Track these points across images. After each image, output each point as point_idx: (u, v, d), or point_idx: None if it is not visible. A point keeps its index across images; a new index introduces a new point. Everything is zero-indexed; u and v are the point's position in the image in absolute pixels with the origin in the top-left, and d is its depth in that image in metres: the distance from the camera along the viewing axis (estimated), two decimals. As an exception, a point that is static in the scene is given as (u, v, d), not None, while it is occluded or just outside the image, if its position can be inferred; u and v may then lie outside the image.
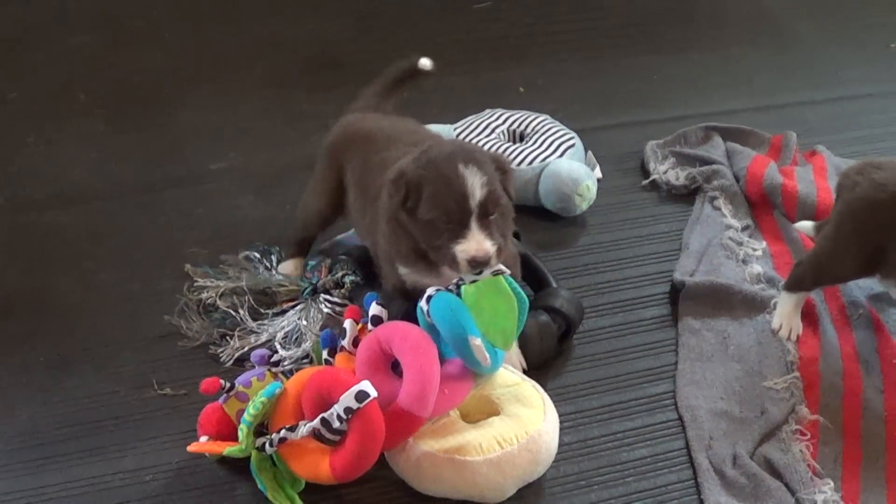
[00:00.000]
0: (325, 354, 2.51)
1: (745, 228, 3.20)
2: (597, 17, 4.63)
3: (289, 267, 2.93)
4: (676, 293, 2.95)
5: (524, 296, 2.37)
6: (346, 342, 2.51)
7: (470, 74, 4.12)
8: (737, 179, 3.40)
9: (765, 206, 3.32)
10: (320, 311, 2.72)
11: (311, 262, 2.93)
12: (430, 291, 2.34)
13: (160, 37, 4.40)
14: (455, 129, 3.42)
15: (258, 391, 2.35)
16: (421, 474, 2.33)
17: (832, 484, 2.39)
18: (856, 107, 4.02)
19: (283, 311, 2.77)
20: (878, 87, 4.18)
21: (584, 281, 3.02)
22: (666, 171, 3.47)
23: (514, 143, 3.42)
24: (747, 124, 3.74)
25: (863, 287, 2.96)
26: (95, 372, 2.70)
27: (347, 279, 2.77)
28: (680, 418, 2.59)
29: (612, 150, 3.62)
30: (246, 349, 2.70)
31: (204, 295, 2.85)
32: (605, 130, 3.74)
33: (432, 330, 2.34)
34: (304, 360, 2.67)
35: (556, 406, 2.48)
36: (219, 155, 3.60)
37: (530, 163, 3.26)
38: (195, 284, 2.90)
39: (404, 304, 2.55)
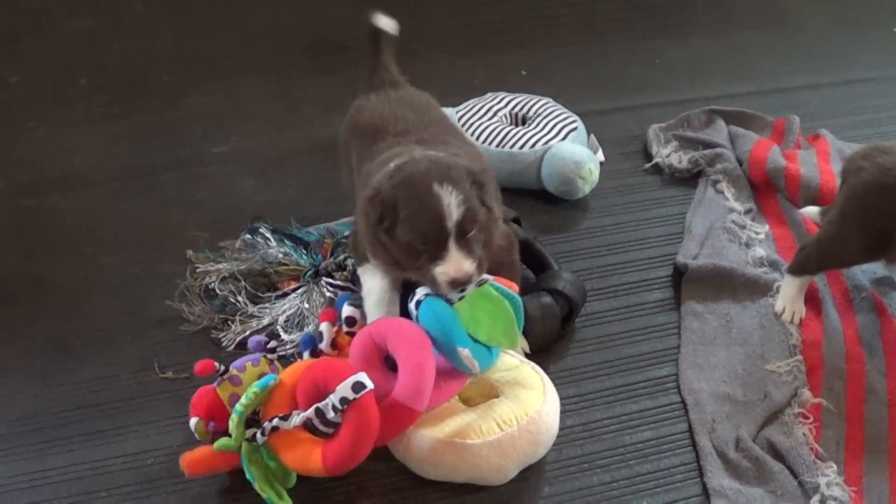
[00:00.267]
0: (306, 356, 2.49)
1: (747, 212, 3.19)
2: (599, 0, 4.61)
3: None
4: (679, 276, 2.95)
5: (516, 296, 2.37)
6: (323, 345, 2.50)
7: (472, 58, 4.11)
8: (740, 163, 3.39)
9: (768, 190, 3.31)
10: (322, 294, 2.72)
11: (314, 235, 2.93)
12: (419, 295, 2.33)
13: (161, 21, 4.38)
14: (457, 112, 3.42)
15: (252, 376, 2.35)
16: (422, 459, 2.32)
17: (835, 467, 2.39)
18: (859, 91, 4.01)
19: (285, 294, 2.77)
20: (882, 71, 4.16)
21: (587, 264, 3.01)
22: (669, 154, 3.46)
23: (517, 126, 3.41)
24: (750, 108, 3.72)
25: (866, 271, 2.95)
26: (97, 356, 2.70)
27: (350, 262, 2.75)
28: (682, 401, 2.58)
29: (614, 133, 3.61)
30: (247, 333, 2.70)
31: (206, 280, 2.85)
32: (607, 114, 3.74)
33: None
34: (307, 344, 2.66)
35: (558, 389, 2.48)
36: (220, 139, 3.60)
37: (532, 146, 3.25)
38: (197, 270, 2.89)
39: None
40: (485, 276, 2.33)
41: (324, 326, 2.51)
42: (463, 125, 3.33)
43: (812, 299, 2.85)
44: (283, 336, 2.67)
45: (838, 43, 4.38)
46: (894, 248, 2.61)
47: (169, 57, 4.13)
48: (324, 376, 2.23)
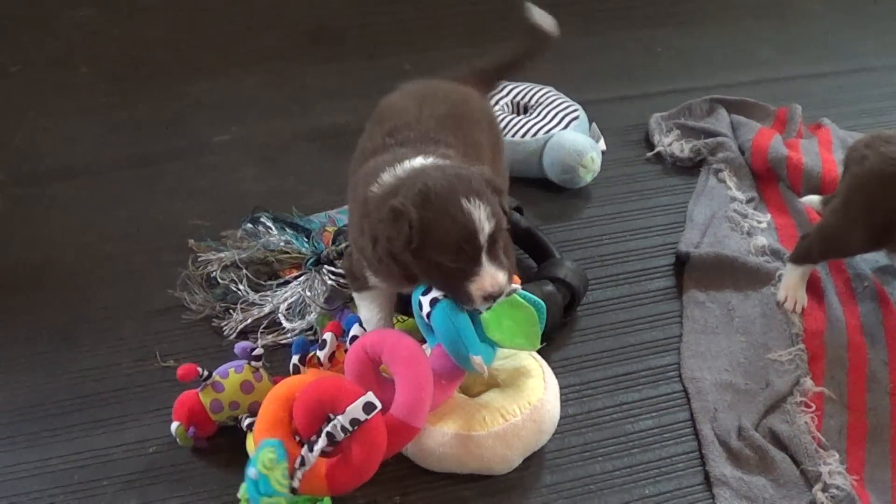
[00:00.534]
0: (294, 360, 2.45)
1: (749, 201, 3.19)
2: (601, -11, 4.61)
3: None
4: (681, 265, 2.95)
5: (540, 302, 2.32)
6: (323, 355, 2.46)
7: (475, 47, 4.08)
8: (742, 152, 3.39)
9: (770, 179, 3.31)
10: (324, 282, 2.71)
11: (315, 223, 2.93)
12: (434, 293, 2.24)
13: (162, 9, 4.36)
14: (459, 102, 3.41)
15: (235, 383, 2.36)
16: (426, 452, 2.32)
17: (837, 456, 2.39)
18: (861, 80, 4.01)
19: (287, 283, 2.76)
20: (884, 59, 4.17)
21: (589, 253, 3.01)
22: (670, 143, 3.46)
23: (519, 115, 3.41)
24: (752, 97, 3.72)
25: (868, 260, 2.95)
26: (98, 344, 2.70)
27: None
28: (685, 390, 2.58)
29: (616, 122, 3.61)
30: (249, 321, 2.70)
31: (207, 268, 2.85)
32: (609, 103, 3.73)
33: (426, 326, 2.29)
34: (308, 332, 2.67)
35: (560, 378, 2.48)
36: (221, 127, 3.59)
37: (534, 135, 3.25)
38: (198, 259, 2.89)
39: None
40: (512, 286, 2.26)
41: (328, 336, 2.49)
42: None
43: (814, 288, 2.85)
44: (285, 324, 2.67)
45: (840, 32, 4.37)
46: (897, 238, 2.62)
47: (170, 46, 4.12)
48: (331, 396, 2.18)
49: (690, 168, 3.40)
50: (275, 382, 2.39)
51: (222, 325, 2.72)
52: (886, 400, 2.56)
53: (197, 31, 4.22)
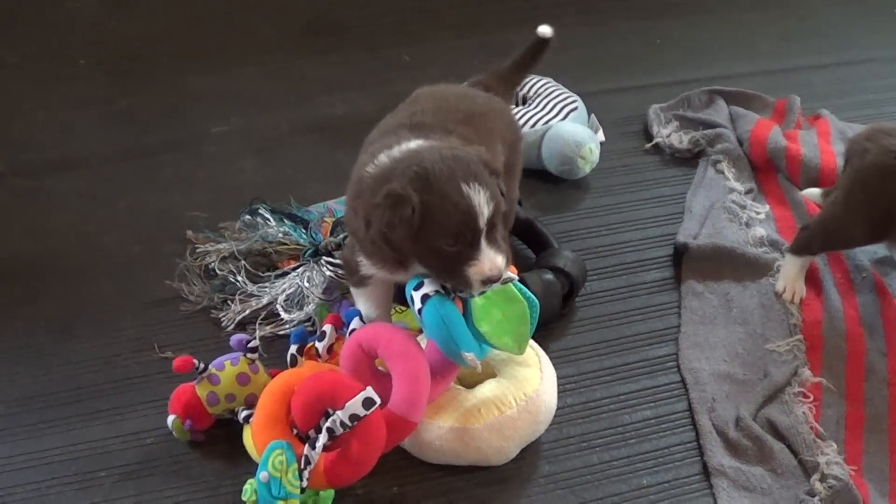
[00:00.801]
0: (293, 350, 2.44)
1: (748, 192, 3.19)
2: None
3: None
4: (679, 256, 2.95)
5: (534, 298, 2.31)
6: (321, 347, 2.45)
7: (474, 37, 4.10)
8: (740, 143, 3.39)
9: (768, 170, 3.31)
10: (322, 273, 2.71)
11: (313, 214, 2.92)
12: (426, 289, 2.22)
13: (161, 2, 4.36)
14: (457, 93, 3.40)
15: (231, 375, 2.36)
16: (423, 445, 2.33)
17: (835, 446, 2.40)
18: (861, 71, 4.00)
19: (285, 274, 2.76)
20: (884, 51, 4.16)
21: (587, 244, 3.01)
22: (669, 134, 3.46)
23: (517, 105, 3.40)
24: (751, 88, 3.72)
25: (867, 251, 2.95)
26: (96, 336, 2.70)
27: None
28: (682, 380, 2.59)
29: (615, 113, 3.61)
30: (247, 313, 2.70)
31: (206, 260, 2.85)
32: (608, 94, 3.73)
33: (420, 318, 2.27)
34: (307, 324, 2.66)
35: (558, 368, 2.48)
36: (220, 119, 3.59)
37: (533, 126, 3.25)
38: (196, 250, 2.89)
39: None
40: (508, 273, 2.23)
41: (328, 328, 2.48)
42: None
43: (812, 279, 2.85)
44: (283, 315, 2.66)
45: (840, 23, 4.36)
46: (897, 230, 2.62)
47: (168, 37, 4.11)
48: (330, 391, 2.17)
49: (689, 159, 3.40)
50: (271, 374, 2.39)
51: (221, 316, 2.72)
52: (884, 390, 2.57)
53: (195, 23, 4.21)
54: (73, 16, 4.25)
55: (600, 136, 3.37)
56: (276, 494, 2.08)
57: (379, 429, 2.16)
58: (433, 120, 2.39)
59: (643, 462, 2.39)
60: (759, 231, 3.01)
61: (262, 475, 2.09)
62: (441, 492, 2.32)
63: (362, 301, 2.45)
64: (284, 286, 2.72)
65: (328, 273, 2.69)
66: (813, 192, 3.10)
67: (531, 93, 3.43)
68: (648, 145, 3.46)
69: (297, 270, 2.74)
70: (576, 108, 3.34)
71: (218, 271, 2.80)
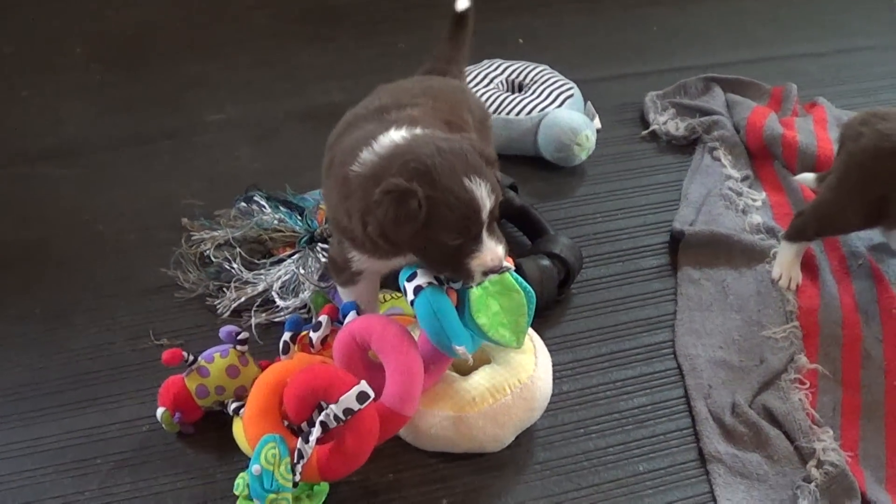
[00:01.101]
0: (286, 337, 2.41)
1: (744, 179, 3.19)
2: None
3: None
4: (675, 243, 2.95)
5: (531, 290, 2.30)
6: (315, 338, 2.42)
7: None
8: (737, 130, 3.38)
9: (765, 157, 3.30)
10: (318, 260, 2.71)
11: (309, 201, 2.91)
12: (419, 280, 2.20)
13: (156, -11, 4.37)
14: (453, 80, 3.40)
15: (221, 367, 2.35)
16: (419, 434, 2.33)
17: (831, 432, 2.40)
18: (857, 59, 4.00)
19: (280, 261, 2.76)
20: (880, 39, 4.16)
21: (583, 231, 3.01)
22: (665, 121, 3.45)
23: (513, 93, 3.40)
24: (748, 76, 3.71)
25: (863, 238, 2.95)
26: (91, 323, 2.70)
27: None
28: (679, 367, 2.59)
29: (611, 100, 3.60)
30: (243, 300, 2.70)
31: (201, 247, 2.84)
32: (604, 81, 3.72)
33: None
34: (302, 311, 2.66)
35: (554, 355, 2.48)
36: (215, 107, 3.58)
37: (529, 113, 3.24)
38: (192, 237, 2.88)
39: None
40: (506, 263, 2.19)
41: (324, 319, 2.47)
42: (459, 92, 3.31)
43: (809, 266, 2.85)
44: (279, 302, 2.66)
45: (836, 11, 4.36)
46: (892, 215, 2.61)
47: (164, 25, 4.11)
48: (324, 384, 2.15)
49: (685, 146, 3.40)
50: (261, 366, 2.38)
51: (216, 303, 2.72)
52: (880, 377, 2.56)
53: (191, 11, 4.21)
54: (69, 5, 4.24)
55: (596, 123, 3.37)
56: (268, 488, 2.07)
57: (372, 422, 2.15)
58: (391, 101, 2.37)
59: (639, 448, 2.39)
60: (756, 218, 3.01)
61: (255, 468, 2.08)
62: (437, 479, 2.31)
63: (348, 297, 2.46)
64: (280, 273, 2.72)
65: (324, 260, 2.69)
66: (807, 178, 3.09)
67: (527, 80, 3.42)
68: (645, 132, 3.46)
69: (293, 257, 2.74)
70: (572, 95, 3.33)
71: (213, 259, 2.80)
